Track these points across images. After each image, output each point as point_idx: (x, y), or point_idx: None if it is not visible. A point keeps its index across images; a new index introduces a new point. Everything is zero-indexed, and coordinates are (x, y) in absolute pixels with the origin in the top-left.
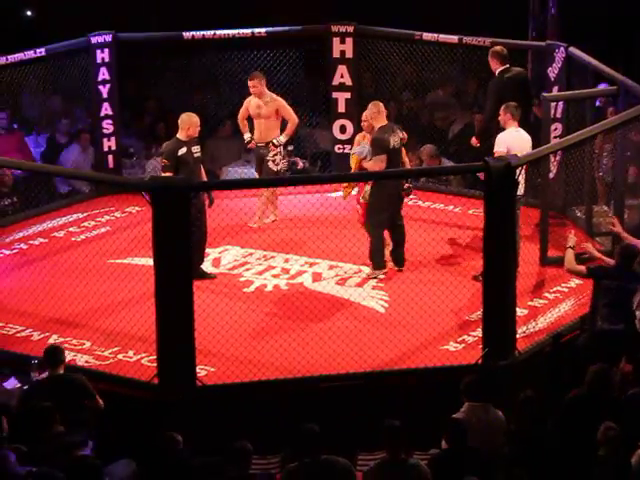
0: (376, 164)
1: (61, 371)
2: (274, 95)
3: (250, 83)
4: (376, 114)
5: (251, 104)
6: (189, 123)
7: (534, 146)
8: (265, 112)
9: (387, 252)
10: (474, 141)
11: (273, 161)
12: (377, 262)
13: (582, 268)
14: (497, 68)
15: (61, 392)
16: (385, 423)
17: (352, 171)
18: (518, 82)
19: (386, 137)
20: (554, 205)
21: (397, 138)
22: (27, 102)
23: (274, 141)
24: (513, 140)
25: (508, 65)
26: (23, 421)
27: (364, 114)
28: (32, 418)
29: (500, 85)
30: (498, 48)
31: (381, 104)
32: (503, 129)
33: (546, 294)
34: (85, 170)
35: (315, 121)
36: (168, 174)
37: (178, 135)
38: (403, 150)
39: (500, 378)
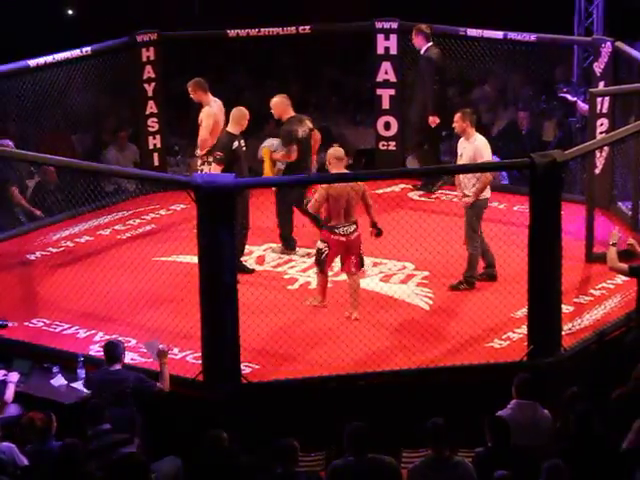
0: (288, 155)
1: (117, 367)
2: (212, 105)
3: (189, 90)
4: (286, 106)
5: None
6: (242, 117)
7: (582, 141)
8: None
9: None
10: (432, 120)
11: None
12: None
13: (624, 266)
14: (423, 46)
15: (115, 389)
16: (430, 421)
17: (264, 164)
18: (442, 60)
19: (294, 128)
20: (600, 201)
21: (305, 128)
22: (73, 101)
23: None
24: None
25: (432, 43)
26: (72, 418)
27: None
28: (80, 415)
29: (432, 63)
30: (423, 26)
31: (286, 96)
32: (458, 136)
33: (592, 291)
34: (129, 169)
35: (359, 118)
36: (219, 167)
37: (229, 129)
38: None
39: (545, 375)
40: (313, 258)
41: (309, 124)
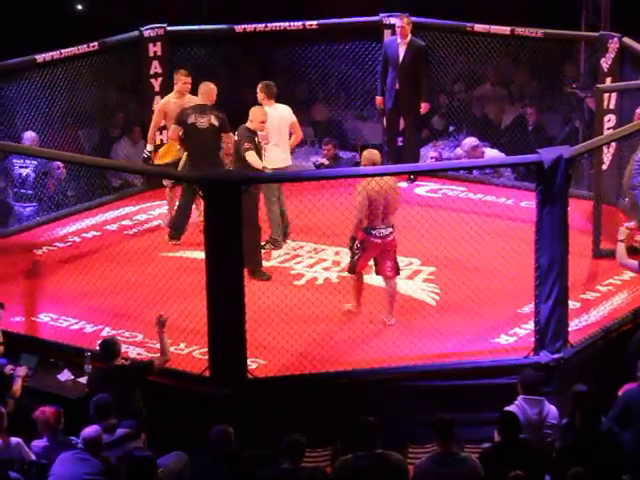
0: (169, 132)
1: (115, 363)
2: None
3: (188, 79)
4: (203, 93)
5: (172, 105)
6: (262, 116)
7: (587, 138)
8: None
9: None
10: (425, 107)
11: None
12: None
13: (634, 262)
14: (409, 37)
15: (115, 383)
16: (436, 417)
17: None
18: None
19: (189, 112)
20: (607, 197)
21: (204, 119)
22: (81, 96)
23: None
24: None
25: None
26: (79, 413)
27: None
28: (88, 410)
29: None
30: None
31: (210, 85)
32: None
33: (599, 287)
34: (136, 163)
35: (365, 114)
36: (253, 151)
37: (248, 125)
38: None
39: (552, 372)
40: (321, 254)
41: (212, 119)
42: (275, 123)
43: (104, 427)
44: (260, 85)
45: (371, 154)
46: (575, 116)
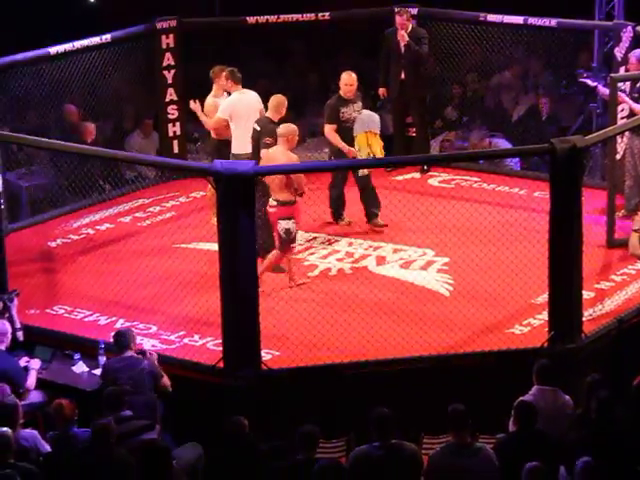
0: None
1: (128, 354)
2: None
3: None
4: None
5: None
6: (281, 104)
7: (603, 126)
8: None
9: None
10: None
11: None
12: None
13: None
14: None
15: (129, 375)
16: (450, 407)
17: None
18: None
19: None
20: (621, 186)
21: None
22: (94, 88)
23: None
24: (236, 104)
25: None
26: (93, 404)
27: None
28: (100, 402)
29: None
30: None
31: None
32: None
33: (613, 276)
34: (148, 156)
35: (380, 104)
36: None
37: (270, 116)
38: None
39: (566, 361)
40: (334, 245)
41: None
42: (243, 108)
43: (116, 419)
44: (225, 72)
45: (281, 127)
46: (589, 106)
